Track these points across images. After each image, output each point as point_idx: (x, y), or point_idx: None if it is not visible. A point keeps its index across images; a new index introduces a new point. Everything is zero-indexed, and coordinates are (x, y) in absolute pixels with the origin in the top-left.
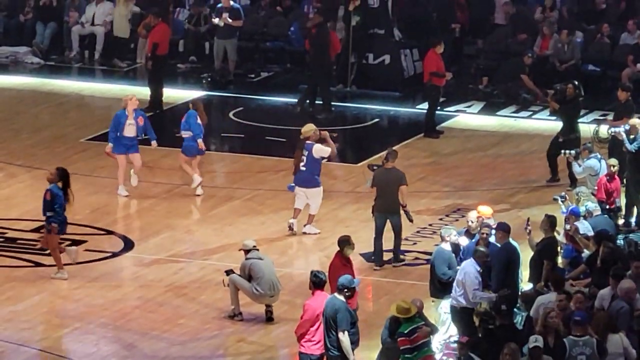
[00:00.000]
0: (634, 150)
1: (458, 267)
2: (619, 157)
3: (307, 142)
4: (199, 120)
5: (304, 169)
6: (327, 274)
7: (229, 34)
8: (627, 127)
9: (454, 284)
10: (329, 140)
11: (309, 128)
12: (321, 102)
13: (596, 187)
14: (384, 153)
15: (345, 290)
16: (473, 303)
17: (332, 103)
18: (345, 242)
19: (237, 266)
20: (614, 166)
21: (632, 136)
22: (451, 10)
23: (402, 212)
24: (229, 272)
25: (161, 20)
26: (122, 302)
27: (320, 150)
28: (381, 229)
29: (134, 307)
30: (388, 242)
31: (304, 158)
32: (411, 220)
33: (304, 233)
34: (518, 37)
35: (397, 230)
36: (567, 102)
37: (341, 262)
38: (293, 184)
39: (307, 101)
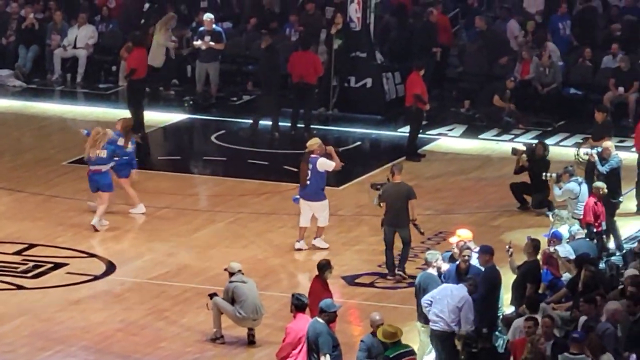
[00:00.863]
0: (605, 172)
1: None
2: (592, 180)
3: (312, 155)
4: (120, 143)
5: (308, 182)
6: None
7: (211, 57)
8: (600, 149)
9: (445, 310)
10: (335, 155)
11: (314, 141)
12: (270, 123)
13: (577, 211)
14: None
15: (325, 313)
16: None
17: (313, 126)
18: (325, 266)
19: (220, 289)
20: (602, 189)
21: (604, 159)
22: (433, 33)
23: (411, 225)
24: (212, 296)
25: (138, 45)
26: (104, 325)
27: (324, 164)
28: (391, 242)
29: (115, 330)
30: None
31: (309, 172)
32: (422, 233)
33: (313, 246)
34: (499, 61)
35: (407, 241)
36: (535, 161)
37: (322, 286)
38: (298, 197)
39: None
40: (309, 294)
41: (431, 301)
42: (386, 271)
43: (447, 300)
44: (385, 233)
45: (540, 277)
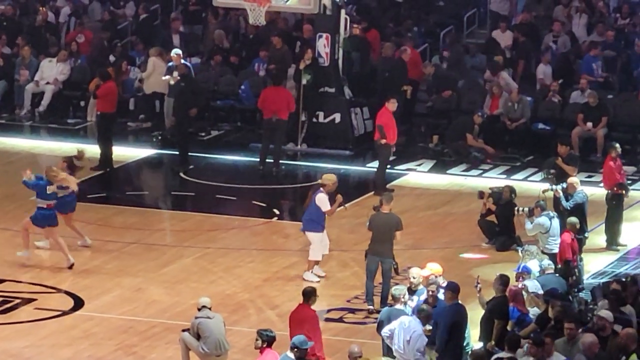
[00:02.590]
0: (569, 208)
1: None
2: (560, 215)
3: (320, 188)
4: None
5: (305, 211)
6: (288, 324)
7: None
8: (565, 185)
9: (402, 345)
10: (335, 205)
11: (329, 177)
12: (178, 154)
13: (547, 245)
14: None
15: (296, 349)
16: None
17: (282, 162)
18: (311, 293)
19: (188, 324)
20: (575, 224)
21: (569, 195)
22: (403, 70)
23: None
24: (185, 331)
25: (103, 80)
26: None
27: (321, 201)
28: (373, 272)
29: None
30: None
31: (311, 201)
32: (397, 272)
33: (303, 278)
34: (442, 94)
35: (387, 275)
36: (502, 205)
37: (312, 312)
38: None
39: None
40: (300, 321)
41: (390, 333)
42: (354, 307)
43: (403, 334)
44: (368, 263)
45: (509, 312)
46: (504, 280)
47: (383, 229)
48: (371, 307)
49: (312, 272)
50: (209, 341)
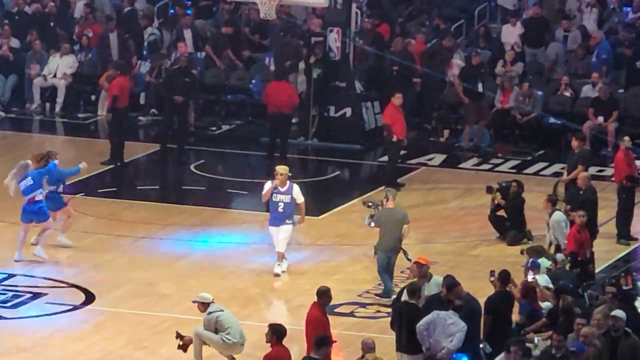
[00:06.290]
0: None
1: None
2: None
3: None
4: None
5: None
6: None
7: None
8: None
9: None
10: (267, 190)
11: (278, 168)
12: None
13: (565, 240)
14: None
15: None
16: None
17: (291, 156)
18: (325, 293)
19: (198, 319)
20: (581, 216)
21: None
22: (412, 63)
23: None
24: (179, 336)
25: (120, 73)
26: (83, 354)
27: (297, 194)
28: (385, 265)
29: None
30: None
31: None
32: (409, 260)
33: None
34: None
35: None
36: (510, 200)
37: (321, 313)
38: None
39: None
40: (309, 321)
41: (427, 327)
42: (365, 301)
43: (441, 329)
44: (379, 259)
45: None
46: (501, 276)
47: (391, 224)
48: (394, 296)
49: (278, 264)
50: (233, 331)
